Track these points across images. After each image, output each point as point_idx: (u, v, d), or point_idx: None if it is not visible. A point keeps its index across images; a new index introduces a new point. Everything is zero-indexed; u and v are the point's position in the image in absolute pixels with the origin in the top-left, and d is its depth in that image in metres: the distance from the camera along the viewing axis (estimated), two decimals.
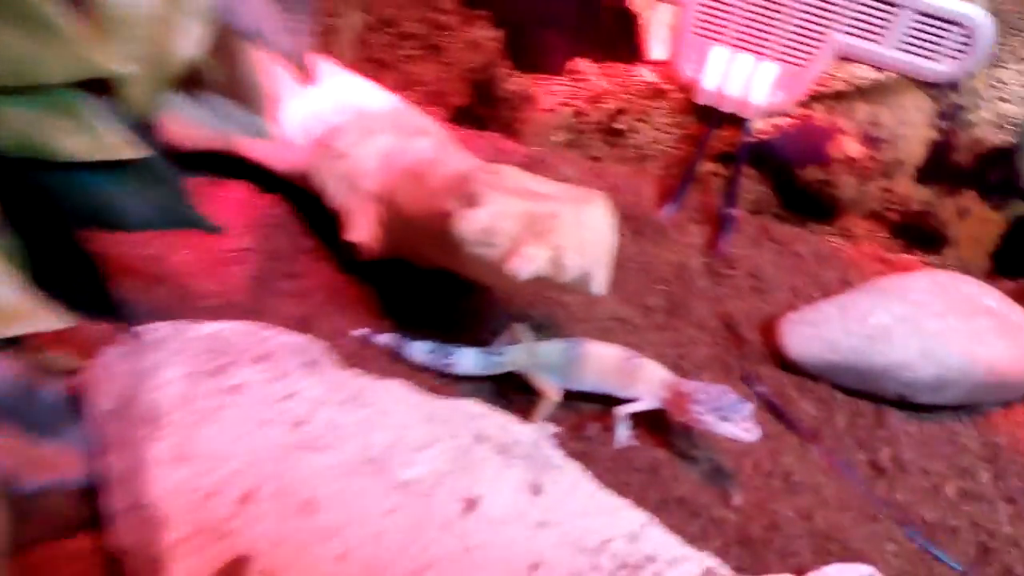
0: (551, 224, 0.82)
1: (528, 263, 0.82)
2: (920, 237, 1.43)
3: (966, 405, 1.19)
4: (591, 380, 1.01)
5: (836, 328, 1.12)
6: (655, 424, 1.04)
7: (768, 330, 1.19)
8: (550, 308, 1.14)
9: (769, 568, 0.90)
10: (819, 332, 1.13)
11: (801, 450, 1.08)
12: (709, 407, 0.94)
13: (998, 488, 1.11)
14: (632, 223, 1.33)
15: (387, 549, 0.76)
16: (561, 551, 0.80)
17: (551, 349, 1.01)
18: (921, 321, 1.13)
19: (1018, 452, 1.16)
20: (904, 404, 1.16)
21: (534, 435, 0.89)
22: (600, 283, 0.88)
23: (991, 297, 1.22)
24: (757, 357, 1.17)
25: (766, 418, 1.10)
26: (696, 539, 0.89)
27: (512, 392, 1.03)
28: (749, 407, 0.95)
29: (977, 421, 1.19)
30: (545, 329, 1.09)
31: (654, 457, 1.00)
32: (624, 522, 0.84)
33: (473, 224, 0.83)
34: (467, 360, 1.01)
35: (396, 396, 0.89)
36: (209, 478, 0.78)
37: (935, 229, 1.40)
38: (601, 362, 1.01)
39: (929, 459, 1.12)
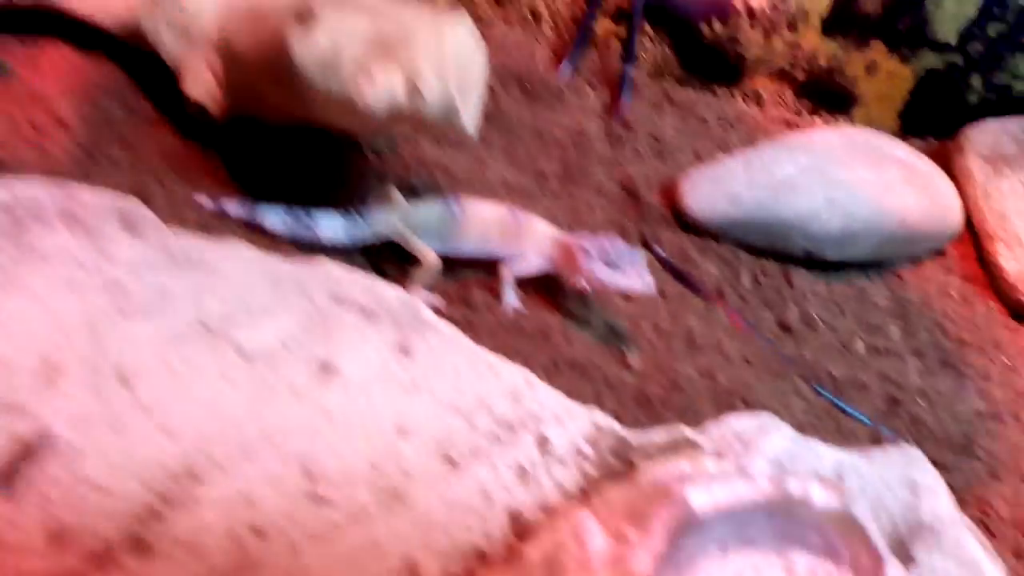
0: (404, 44, 0.70)
1: (377, 88, 0.70)
2: (828, 97, 1.35)
3: (875, 263, 1.14)
4: (473, 241, 0.91)
5: (740, 182, 1.04)
6: (547, 289, 0.95)
7: (669, 193, 1.11)
8: (431, 173, 1.03)
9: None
10: (722, 188, 1.05)
11: (705, 311, 1.01)
12: (599, 259, 0.86)
13: (907, 343, 1.07)
14: (524, 87, 1.22)
15: (225, 420, 0.66)
16: (433, 414, 0.70)
17: (427, 210, 0.90)
18: (828, 171, 1.06)
19: (927, 307, 1.12)
20: (812, 262, 1.10)
21: (403, 296, 0.78)
22: (470, 117, 0.77)
23: (901, 149, 1.16)
24: (658, 220, 1.09)
25: (668, 281, 1.03)
26: (590, 401, 0.81)
27: (386, 264, 0.92)
28: (640, 255, 0.87)
29: (887, 278, 1.15)
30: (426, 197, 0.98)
31: (545, 322, 0.91)
32: (505, 382, 0.74)
33: (311, 47, 0.70)
34: (332, 226, 0.89)
35: (237, 258, 0.76)
36: (6, 349, 0.65)
37: (843, 87, 1.33)
38: (483, 221, 0.90)
39: (838, 317, 1.07)
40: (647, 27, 1.31)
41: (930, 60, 1.30)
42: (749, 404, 0.90)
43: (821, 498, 0.59)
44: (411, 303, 0.79)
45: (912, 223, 1.07)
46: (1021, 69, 1.29)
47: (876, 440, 0.93)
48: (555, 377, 0.82)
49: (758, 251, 1.08)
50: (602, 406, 0.81)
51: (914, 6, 1.25)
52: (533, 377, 0.76)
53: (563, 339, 0.90)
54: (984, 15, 1.26)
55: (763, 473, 0.60)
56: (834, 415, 0.96)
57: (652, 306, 0.96)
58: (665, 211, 1.09)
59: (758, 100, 1.37)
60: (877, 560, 0.57)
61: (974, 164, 1.16)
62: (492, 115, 1.16)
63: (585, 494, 0.67)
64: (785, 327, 1.02)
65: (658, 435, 0.74)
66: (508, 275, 0.91)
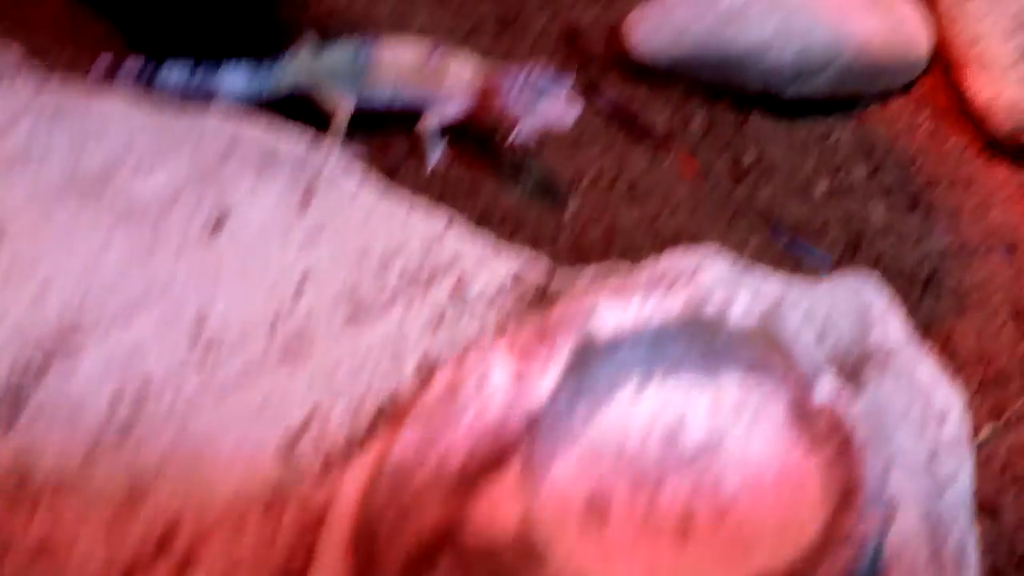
0: None
1: None
2: None
3: (839, 101, 1.06)
4: (389, 87, 0.84)
5: (686, 14, 0.96)
6: (478, 145, 0.89)
7: (615, 36, 1.02)
8: (351, 21, 0.95)
9: None
10: (668, 22, 0.96)
11: (652, 158, 0.94)
12: (523, 89, 0.79)
13: (873, 183, 1.00)
14: None
15: (109, 273, 0.61)
16: (336, 264, 0.65)
17: (338, 54, 0.83)
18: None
19: (895, 145, 1.05)
20: (771, 103, 1.02)
21: (302, 145, 0.72)
22: None
23: None
24: (603, 66, 1.01)
25: (612, 129, 0.96)
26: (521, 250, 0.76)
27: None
28: (567, 82, 0.80)
29: (852, 117, 1.07)
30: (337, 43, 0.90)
31: (473, 176, 0.85)
32: (417, 231, 0.69)
33: None
34: (235, 79, 0.82)
35: (121, 113, 0.70)
36: None
37: None
38: (399, 62, 0.83)
39: (798, 158, 1.00)
40: None
41: None
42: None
43: (738, 316, 0.54)
44: (315, 155, 0.73)
45: (875, 51, 0.99)
46: None
47: None
48: (484, 229, 0.76)
49: (713, 92, 1.00)
50: (535, 255, 0.77)
51: None
52: (456, 226, 0.70)
53: (493, 191, 0.84)
54: None
55: (677, 295, 0.55)
56: (792, 260, 0.91)
57: (594, 154, 0.90)
58: (611, 58, 1.01)
59: None
60: (801, 377, 0.52)
61: None
62: None
63: (500, 331, 0.62)
64: (740, 170, 0.95)
65: (586, 275, 0.69)
66: (430, 125, 0.84)
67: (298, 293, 0.63)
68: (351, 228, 0.68)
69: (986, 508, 0.73)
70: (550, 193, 0.86)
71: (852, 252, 0.92)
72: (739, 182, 0.95)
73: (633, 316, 0.52)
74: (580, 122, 0.86)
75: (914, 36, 1.04)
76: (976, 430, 0.78)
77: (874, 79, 1.03)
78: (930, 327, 0.85)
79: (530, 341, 0.52)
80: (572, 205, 0.85)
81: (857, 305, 0.70)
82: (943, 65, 1.08)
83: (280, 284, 0.64)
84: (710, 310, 0.54)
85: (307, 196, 0.69)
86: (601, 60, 1.01)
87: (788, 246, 0.91)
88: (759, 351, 0.53)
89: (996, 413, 0.83)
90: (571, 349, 0.50)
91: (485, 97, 0.82)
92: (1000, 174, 1.06)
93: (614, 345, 0.52)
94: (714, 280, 0.66)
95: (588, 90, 0.99)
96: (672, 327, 0.53)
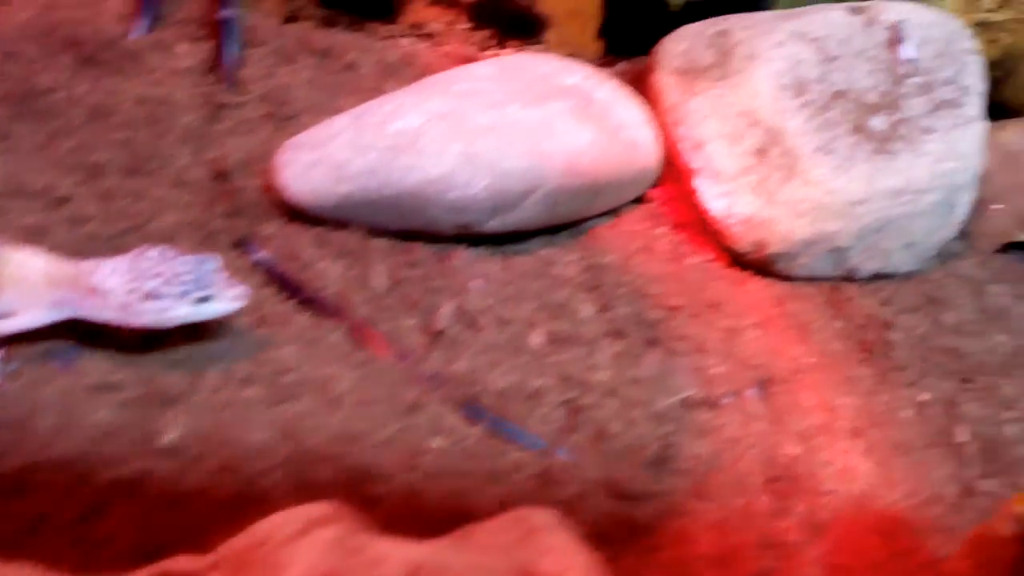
0: None
1: None
2: (512, 22, 1.10)
3: (561, 225, 0.90)
4: None
5: (345, 146, 0.77)
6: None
7: (268, 173, 0.83)
8: None
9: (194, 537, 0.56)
10: (325, 155, 0.77)
11: (313, 333, 0.74)
12: (149, 287, 0.60)
13: (601, 323, 0.84)
14: (79, 53, 0.90)
15: None
16: None
17: None
18: (466, 117, 0.80)
19: (627, 272, 0.89)
20: (474, 239, 0.85)
21: None
22: None
23: (576, 75, 0.92)
24: (258, 212, 0.81)
25: (274, 297, 0.76)
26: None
27: None
28: (213, 262, 0.63)
29: (579, 242, 0.91)
30: None
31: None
32: None
33: None
34: None
35: None
36: None
37: (523, 7, 1.08)
38: None
39: (510, 304, 0.82)
40: None
41: None
42: (352, 461, 0.64)
43: None
44: None
45: (586, 168, 0.83)
46: None
47: (548, 469, 0.70)
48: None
49: (400, 236, 0.82)
50: None
51: None
52: None
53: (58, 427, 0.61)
54: None
55: None
56: (498, 445, 0.72)
57: (226, 346, 0.69)
58: (268, 198, 0.81)
59: (431, 36, 1.10)
60: None
61: (666, 83, 0.93)
62: (25, 98, 0.85)
63: None
64: (431, 332, 0.76)
65: None
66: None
67: None
68: None
69: None
70: (151, 410, 0.63)
71: (570, 423, 0.74)
72: (432, 349, 0.76)
73: None
74: None
75: (638, 143, 0.89)
76: None
77: (596, 197, 0.88)
78: (659, 526, 0.67)
79: None
80: (174, 429, 0.62)
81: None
82: (676, 174, 0.95)
83: None
84: None
85: None
86: (256, 203, 0.81)
87: (493, 426, 0.72)
88: None
89: None
90: None
91: (96, 303, 0.62)
92: (751, 292, 0.92)
93: None
94: None
95: (238, 243, 0.78)
96: None
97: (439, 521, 0.55)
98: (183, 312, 0.64)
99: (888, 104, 0.92)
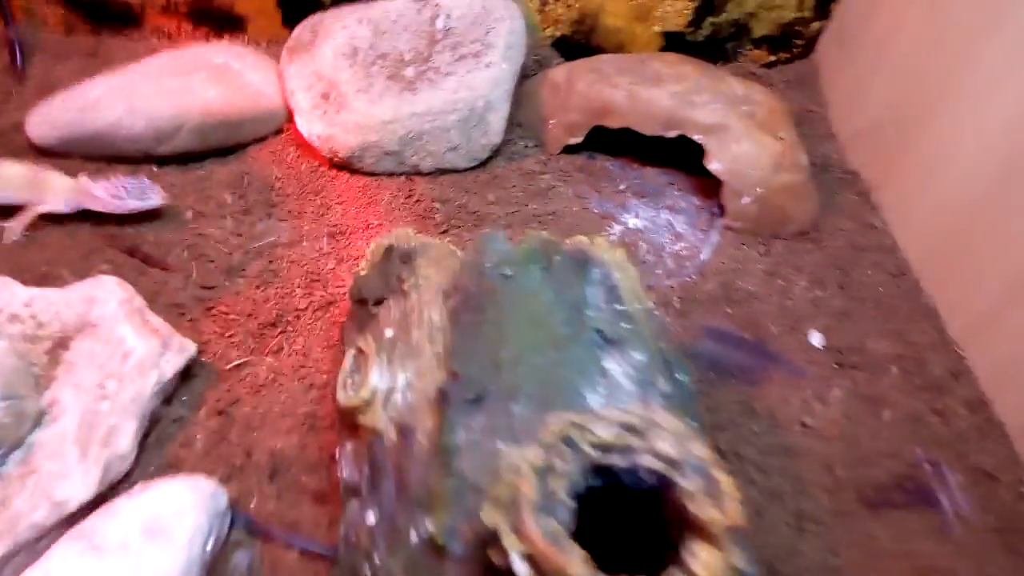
0: None
1: None
2: (220, 21, 1.65)
3: (225, 149, 1.45)
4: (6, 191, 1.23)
5: (59, 108, 1.33)
6: None
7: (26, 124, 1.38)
8: None
9: None
10: (48, 114, 1.33)
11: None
12: (120, 196, 1.24)
13: (237, 204, 1.38)
14: None
15: None
16: None
17: None
18: (135, 87, 1.35)
19: (262, 174, 1.44)
20: (158, 160, 1.40)
21: None
22: None
23: (223, 55, 1.47)
24: (18, 150, 1.37)
25: None
26: None
27: None
28: (149, 183, 1.26)
29: (236, 158, 1.46)
30: None
31: None
32: None
33: None
34: None
35: None
36: None
37: (226, 10, 1.62)
38: (9, 174, 1.23)
39: (178, 196, 1.38)
40: None
41: None
42: None
43: None
44: None
45: (217, 111, 1.38)
46: None
47: None
48: None
49: (107, 159, 1.37)
50: None
51: None
52: None
53: None
54: None
55: None
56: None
57: None
58: (23, 139, 1.37)
59: (168, 35, 1.65)
60: None
61: (283, 55, 1.49)
62: None
63: None
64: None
65: None
66: (29, 211, 1.24)
67: None
68: None
69: None
70: None
71: (194, 256, 1.29)
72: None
73: None
74: None
75: (262, 94, 1.44)
76: None
77: (236, 130, 1.43)
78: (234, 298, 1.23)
79: None
80: None
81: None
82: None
83: None
84: None
85: None
86: (9, 144, 1.37)
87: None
88: None
89: None
90: None
91: (87, 199, 1.24)
92: (343, 184, 1.47)
93: None
94: None
95: None
96: None
97: None
98: (132, 204, 1.23)
99: (419, 60, 1.45)
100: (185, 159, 1.41)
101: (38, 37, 1.58)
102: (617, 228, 1.50)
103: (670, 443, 0.68)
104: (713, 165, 1.48)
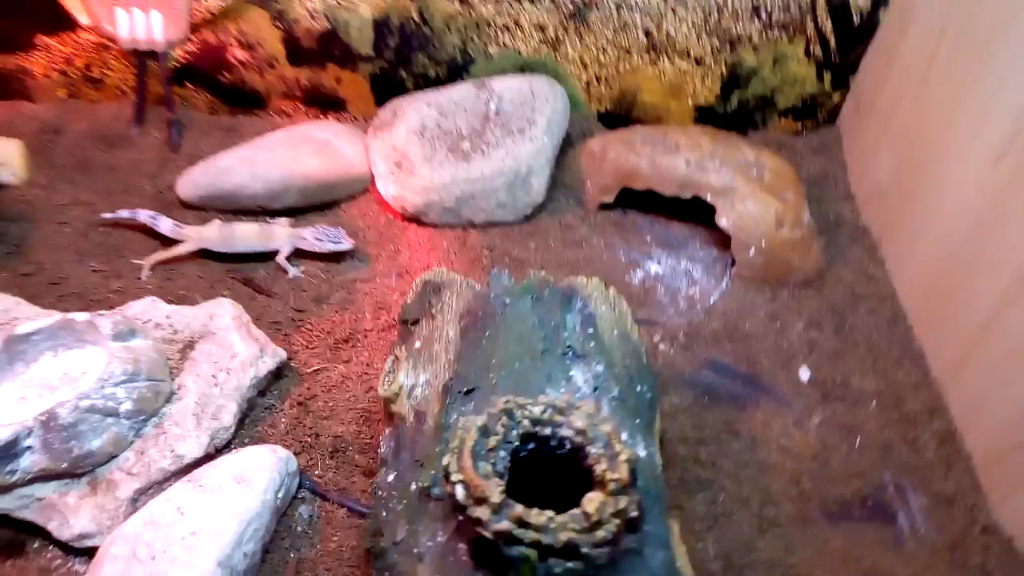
0: None
1: None
2: (327, 103, 2.05)
3: (315, 206, 1.82)
4: (243, 244, 1.66)
5: (200, 173, 1.75)
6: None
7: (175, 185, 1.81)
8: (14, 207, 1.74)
9: None
10: (192, 177, 1.75)
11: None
12: (315, 237, 1.65)
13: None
14: (107, 140, 1.93)
15: None
16: None
17: (208, 228, 1.65)
18: (257, 158, 1.76)
19: (354, 223, 1.80)
20: (271, 213, 1.79)
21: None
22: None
23: (326, 132, 1.85)
24: (170, 205, 1.79)
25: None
26: None
27: None
28: (340, 229, 1.67)
29: (332, 212, 1.84)
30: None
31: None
32: None
33: None
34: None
35: None
36: None
37: (329, 94, 2.02)
38: (245, 231, 1.65)
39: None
40: (189, 84, 2.01)
41: (367, 68, 1.99)
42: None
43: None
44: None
45: (316, 176, 1.76)
46: (422, 63, 1.98)
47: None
48: None
49: (234, 212, 1.77)
50: None
51: (334, 37, 1.94)
52: None
53: None
54: (377, 35, 1.95)
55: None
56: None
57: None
58: (175, 200, 1.79)
59: (287, 115, 2.07)
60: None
61: (371, 133, 1.86)
62: (79, 163, 1.87)
63: None
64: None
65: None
66: (281, 259, 1.67)
67: None
68: None
69: None
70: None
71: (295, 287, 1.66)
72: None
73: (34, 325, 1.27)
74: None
75: (352, 164, 1.82)
76: None
77: (331, 191, 1.80)
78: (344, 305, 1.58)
79: None
80: None
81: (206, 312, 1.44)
82: None
83: None
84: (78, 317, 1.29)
85: None
86: (170, 201, 1.79)
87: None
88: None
89: None
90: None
91: (297, 242, 1.67)
92: (412, 233, 1.81)
93: (26, 336, 1.26)
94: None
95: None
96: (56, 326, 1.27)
97: None
98: (330, 246, 1.65)
99: (474, 135, 1.78)
100: (292, 213, 1.80)
101: (189, 116, 2.03)
102: (639, 273, 1.77)
103: (583, 421, 0.95)
104: (722, 221, 1.73)
